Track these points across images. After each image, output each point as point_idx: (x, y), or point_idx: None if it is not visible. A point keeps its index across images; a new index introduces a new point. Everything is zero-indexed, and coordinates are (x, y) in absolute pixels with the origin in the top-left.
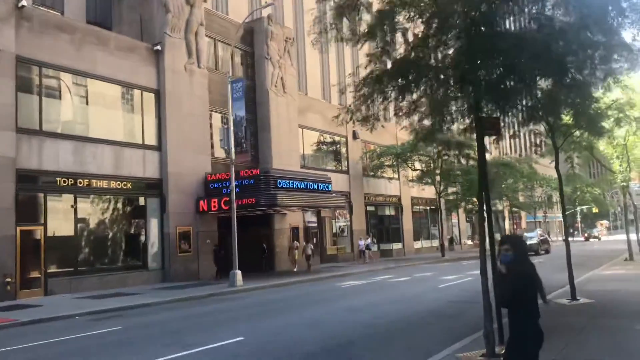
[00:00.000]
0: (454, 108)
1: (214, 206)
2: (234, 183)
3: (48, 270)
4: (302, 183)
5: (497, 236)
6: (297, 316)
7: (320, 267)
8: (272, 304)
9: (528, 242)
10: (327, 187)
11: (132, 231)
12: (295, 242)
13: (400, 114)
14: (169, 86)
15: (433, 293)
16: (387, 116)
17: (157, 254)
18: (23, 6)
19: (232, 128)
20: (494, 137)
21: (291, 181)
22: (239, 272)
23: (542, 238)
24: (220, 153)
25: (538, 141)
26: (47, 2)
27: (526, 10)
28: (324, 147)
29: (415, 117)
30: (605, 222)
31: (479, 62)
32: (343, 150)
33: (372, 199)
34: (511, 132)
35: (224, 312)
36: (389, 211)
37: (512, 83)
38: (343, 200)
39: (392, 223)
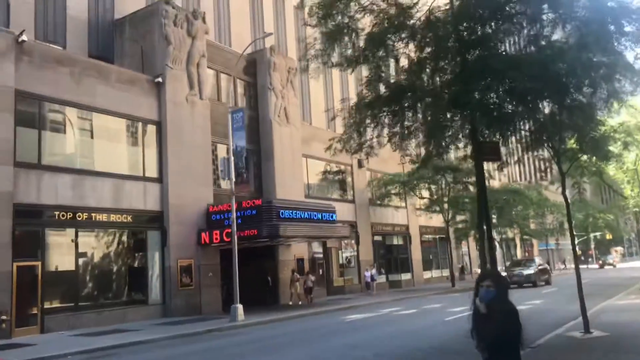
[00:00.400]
0: (451, 132)
1: (216, 238)
2: (234, 214)
3: (45, 307)
4: (306, 213)
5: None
6: (296, 353)
7: (326, 300)
8: (272, 340)
9: (525, 273)
10: (332, 216)
11: (132, 265)
12: (296, 274)
13: (395, 140)
14: (170, 118)
15: (440, 326)
16: (383, 143)
17: (158, 288)
18: (23, 41)
19: (232, 158)
20: (497, 162)
21: (294, 211)
22: (240, 307)
23: (541, 267)
24: (223, 184)
25: (544, 167)
26: (49, 37)
27: (524, 32)
28: (329, 176)
29: (412, 143)
30: (619, 249)
31: (474, 84)
32: (348, 179)
33: (379, 228)
34: (515, 158)
35: (221, 349)
36: (397, 241)
37: (511, 106)
38: (348, 230)
39: (400, 253)
